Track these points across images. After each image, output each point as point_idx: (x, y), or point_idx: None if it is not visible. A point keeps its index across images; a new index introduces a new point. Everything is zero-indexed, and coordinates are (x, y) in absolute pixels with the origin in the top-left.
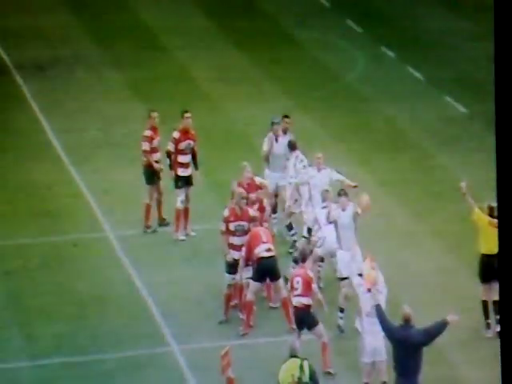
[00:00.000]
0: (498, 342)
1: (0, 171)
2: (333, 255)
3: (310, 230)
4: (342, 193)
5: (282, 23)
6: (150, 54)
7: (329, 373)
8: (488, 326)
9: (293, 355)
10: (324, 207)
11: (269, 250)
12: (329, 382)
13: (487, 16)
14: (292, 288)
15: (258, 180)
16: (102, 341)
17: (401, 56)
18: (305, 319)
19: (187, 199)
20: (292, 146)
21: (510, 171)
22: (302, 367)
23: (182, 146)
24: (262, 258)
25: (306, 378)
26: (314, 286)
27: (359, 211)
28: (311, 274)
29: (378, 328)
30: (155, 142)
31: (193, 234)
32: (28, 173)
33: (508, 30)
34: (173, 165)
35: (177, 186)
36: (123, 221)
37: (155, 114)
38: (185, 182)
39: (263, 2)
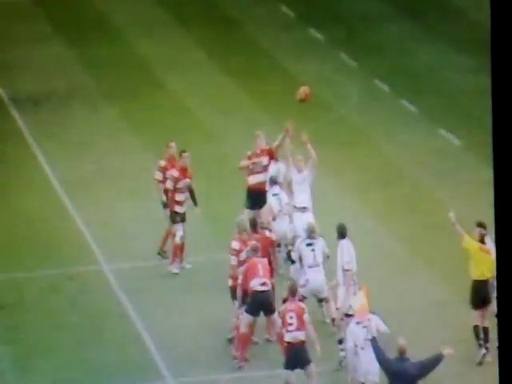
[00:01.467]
0: (493, 372)
1: None
2: (318, 294)
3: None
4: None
5: (277, 56)
6: (145, 86)
7: None
8: (480, 346)
9: None
10: (309, 244)
11: (264, 284)
12: None
13: (480, 49)
14: (285, 324)
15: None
16: (98, 374)
17: (394, 89)
18: (301, 356)
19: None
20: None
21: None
22: None
23: (180, 184)
24: (257, 291)
25: None
26: (308, 318)
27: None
28: (303, 306)
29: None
30: (169, 173)
31: (188, 266)
32: (24, 206)
33: (505, 61)
34: (169, 202)
35: (175, 221)
36: (118, 253)
37: (172, 144)
38: (181, 218)
39: (258, 35)
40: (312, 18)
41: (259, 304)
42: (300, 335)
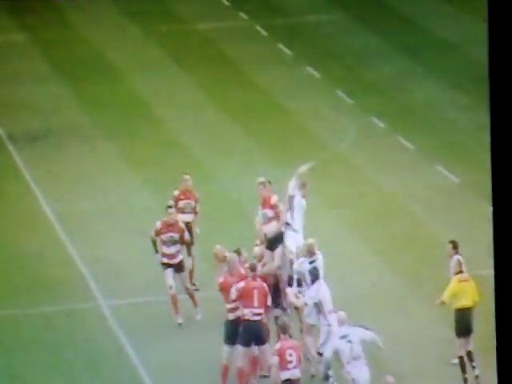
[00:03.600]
0: None
1: None
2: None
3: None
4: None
5: (274, 94)
6: (142, 123)
7: None
8: (465, 381)
9: None
10: (311, 262)
11: (257, 314)
12: None
13: (478, 86)
14: (285, 362)
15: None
16: None
17: (391, 126)
18: None
19: (191, 256)
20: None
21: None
22: None
23: (164, 237)
24: (248, 320)
25: None
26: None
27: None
28: (299, 343)
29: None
30: (181, 203)
31: (198, 317)
32: (20, 242)
33: (503, 98)
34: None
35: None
36: (115, 290)
37: (187, 177)
38: (168, 266)
39: (254, 73)
40: (309, 56)
41: (251, 334)
42: (298, 372)
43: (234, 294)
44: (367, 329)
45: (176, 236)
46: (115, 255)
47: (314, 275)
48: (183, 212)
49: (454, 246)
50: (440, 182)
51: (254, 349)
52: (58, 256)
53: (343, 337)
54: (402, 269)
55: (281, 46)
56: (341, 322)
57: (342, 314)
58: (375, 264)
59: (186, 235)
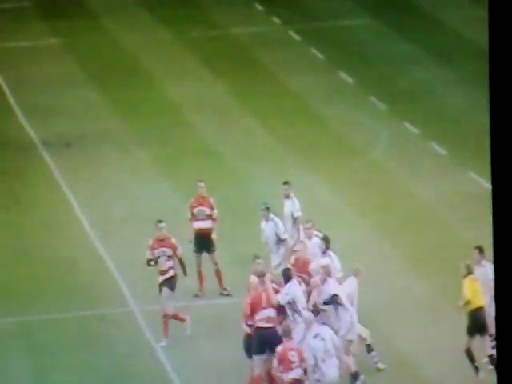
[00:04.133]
0: None
1: (26, 246)
2: None
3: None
4: None
5: (306, 99)
6: (174, 129)
7: None
8: (477, 369)
9: None
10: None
11: (268, 319)
12: None
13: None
14: (288, 362)
15: None
16: None
17: (424, 131)
18: None
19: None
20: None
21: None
22: None
23: (156, 254)
24: (261, 328)
25: None
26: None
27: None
28: (299, 346)
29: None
30: (195, 211)
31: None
32: (54, 247)
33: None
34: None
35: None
36: (148, 295)
37: (201, 184)
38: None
39: (286, 78)
40: (341, 61)
41: (265, 341)
42: (302, 372)
43: (246, 309)
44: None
45: (168, 251)
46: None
47: (287, 276)
48: (197, 219)
49: (481, 251)
50: (472, 188)
51: (270, 357)
52: (91, 261)
53: (316, 336)
54: (432, 276)
55: (314, 50)
56: (309, 323)
57: (309, 314)
58: (406, 270)
59: (179, 251)
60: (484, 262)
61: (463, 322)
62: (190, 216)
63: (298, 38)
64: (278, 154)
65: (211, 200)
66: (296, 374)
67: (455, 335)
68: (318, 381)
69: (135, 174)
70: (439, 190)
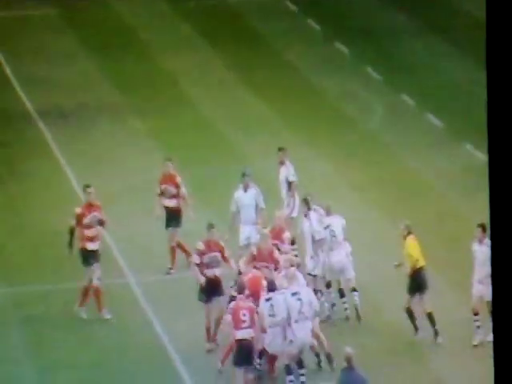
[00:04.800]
0: None
1: (23, 217)
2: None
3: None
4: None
5: (303, 71)
6: (172, 101)
7: None
8: (416, 328)
9: None
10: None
11: (247, 334)
12: None
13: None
14: (239, 321)
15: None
16: None
17: (421, 104)
18: (251, 353)
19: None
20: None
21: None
22: None
23: (87, 219)
24: (239, 340)
25: None
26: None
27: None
28: (253, 305)
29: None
30: (162, 187)
31: (108, 316)
32: (50, 219)
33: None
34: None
35: (85, 263)
36: (145, 267)
37: (169, 164)
38: (93, 258)
39: (284, 50)
40: (338, 33)
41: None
42: (251, 332)
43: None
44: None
45: (97, 215)
46: (143, 233)
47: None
48: (164, 196)
49: (483, 229)
50: (468, 160)
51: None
52: None
53: (294, 294)
54: (429, 250)
55: (310, 21)
56: (290, 279)
57: (292, 269)
58: (402, 243)
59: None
60: (486, 240)
61: (463, 296)
62: (158, 191)
63: (293, 8)
64: (274, 126)
65: (178, 179)
66: (245, 333)
67: (454, 309)
68: (291, 341)
69: (132, 145)
70: (435, 162)
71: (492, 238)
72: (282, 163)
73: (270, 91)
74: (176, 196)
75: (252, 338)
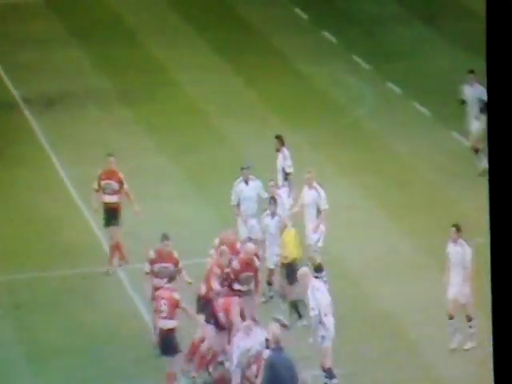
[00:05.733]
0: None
1: (10, 205)
2: None
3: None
4: None
5: (291, 59)
6: (159, 87)
7: None
8: (300, 315)
9: None
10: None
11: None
12: None
13: None
14: (158, 310)
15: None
16: (111, 373)
17: (407, 92)
18: (170, 343)
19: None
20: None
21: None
22: None
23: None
24: (161, 329)
25: None
26: (184, 306)
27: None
28: (177, 297)
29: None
30: (103, 183)
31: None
32: (37, 206)
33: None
34: None
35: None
36: (131, 254)
37: (111, 159)
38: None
39: (272, 38)
40: (325, 21)
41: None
42: (170, 323)
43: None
44: None
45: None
46: (130, 219)
47: None
48: (104, 192)
49: (458, 229)
50: (455, 147)
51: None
52: (74, 220)
53: (318, 289)
54: (417, 234)
55: (297, 9)
56: (305, 276)
57: (305, 269)
58: (391, 229)
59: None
60: (461, 240)
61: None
62: (96, 187)
63: None
64: (263, 113)
65: (120, 175)
66: (161, 323)
67: (441, 292)
68: (323, 337)
69: (119, 132)
70: (422, 149)
71: (492, 240)
72: (278, 151)
73: (258, 77)
74: (118, 192)
75: (170, 329)
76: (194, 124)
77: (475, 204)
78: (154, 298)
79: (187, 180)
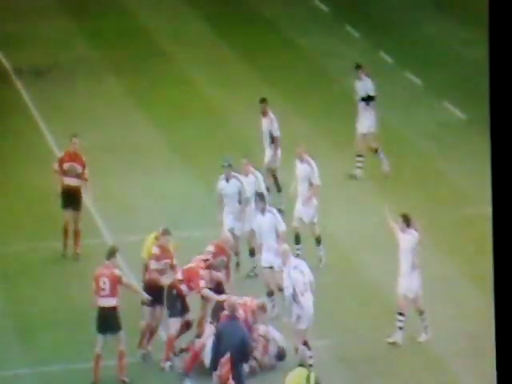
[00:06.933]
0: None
1: (0, 176)
2: None
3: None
4: None
5: (282, 29)
6: (150, 58)
7: (124, 381)
8: None
9: (301, 364)
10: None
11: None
12: None
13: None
14: (98, 289)
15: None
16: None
17: (399, 61)
18: (111, 321)
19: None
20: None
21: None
22: (308, 378)
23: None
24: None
25: None
26: (126, 282)
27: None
28: (118, 273)
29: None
30: (66, 166)
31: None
32: (26, 177)
33: (502, 34)
34: None
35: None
36: (122, 226)
37: (75, 140)
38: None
39: (262, 7)
40: None
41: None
42: (111, 301)
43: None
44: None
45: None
46: (120, 191)
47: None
48: (67, 175)
49: (406, 219)
50: (447, 118)
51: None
52: None
53: (295, 267)
54: (407, 206)
55: None
56: (285, 255)
57: (286, 246)
58: (381, 200)
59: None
60: (409, 230)
61: (440, 252)
62: (57, 169)
63: None
64: (254, 84)
65: (83, 158)
66: (102, 302)
67: (431, 267)
68: (299, 316)
69: (109, 103)
70: (414, 119)
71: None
72: (264, 114)
73: (248, 48)
74: (80, 176)
75: (112, 307)
76: (184, 95)
77: (465, 175)
78: (94, 279)
79: (177, 152)
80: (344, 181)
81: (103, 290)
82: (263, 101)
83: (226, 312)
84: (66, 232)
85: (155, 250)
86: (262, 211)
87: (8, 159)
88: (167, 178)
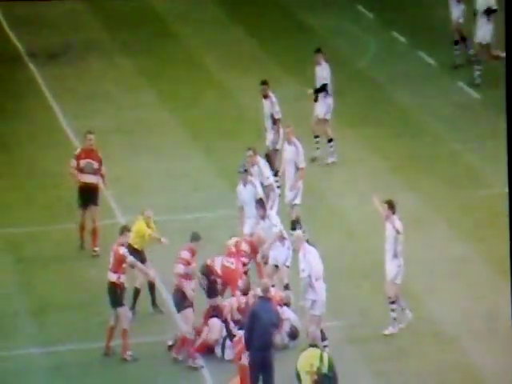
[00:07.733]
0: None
1: (12, 158)
2: None
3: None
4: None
5: (293, 10)
6: (162, 40)
7: (125, 359)
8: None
9: (313, 345)
10: None
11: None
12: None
13: (502, 3)
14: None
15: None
16: None
17: (412, 41)
18: (109, 296)
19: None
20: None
21: None
22: (321, 358)
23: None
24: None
25: (324, 368)
26: (132, 262)
27: None
28: (122, 251)
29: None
30: (82, 163)
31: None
32: (40, 160)
33: None
34: None
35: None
36: (134, 207)
37: (90, 136)
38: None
39: None
40: None
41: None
42: (111, 276)
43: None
44: None
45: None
46: (132, 173)
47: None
48: (84, 172)
49: (390, 206)
50: (461, 98)
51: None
52: None
53: (309, 252)
54: (421, 187)
55: None
56: (299, 241)
57: (299, 232)
58: (395, 182)
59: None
60: (394, 217)
61: (453, 234)
62: (74, 165)
63: None
64: (265, 65)
65: (99, 154)
66: (108, 275)
67: (445, 247)
68: (314, 301)
69: (120, 84)
70: (427, 99)
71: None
72: (265, 97)
73: (260, 30)
74: (97, 172)
75: (111, 282)
76: (194, 75)
77: (479, 156)
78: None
79: (188, 131)
80: (354, 160)
81: (110, 264)
82: (264, 83)
83: (258, 293)
84: (82, 229)
85: (185, 255)
86: (263, 218)
87: (22, 141)
88: (179, 158)
